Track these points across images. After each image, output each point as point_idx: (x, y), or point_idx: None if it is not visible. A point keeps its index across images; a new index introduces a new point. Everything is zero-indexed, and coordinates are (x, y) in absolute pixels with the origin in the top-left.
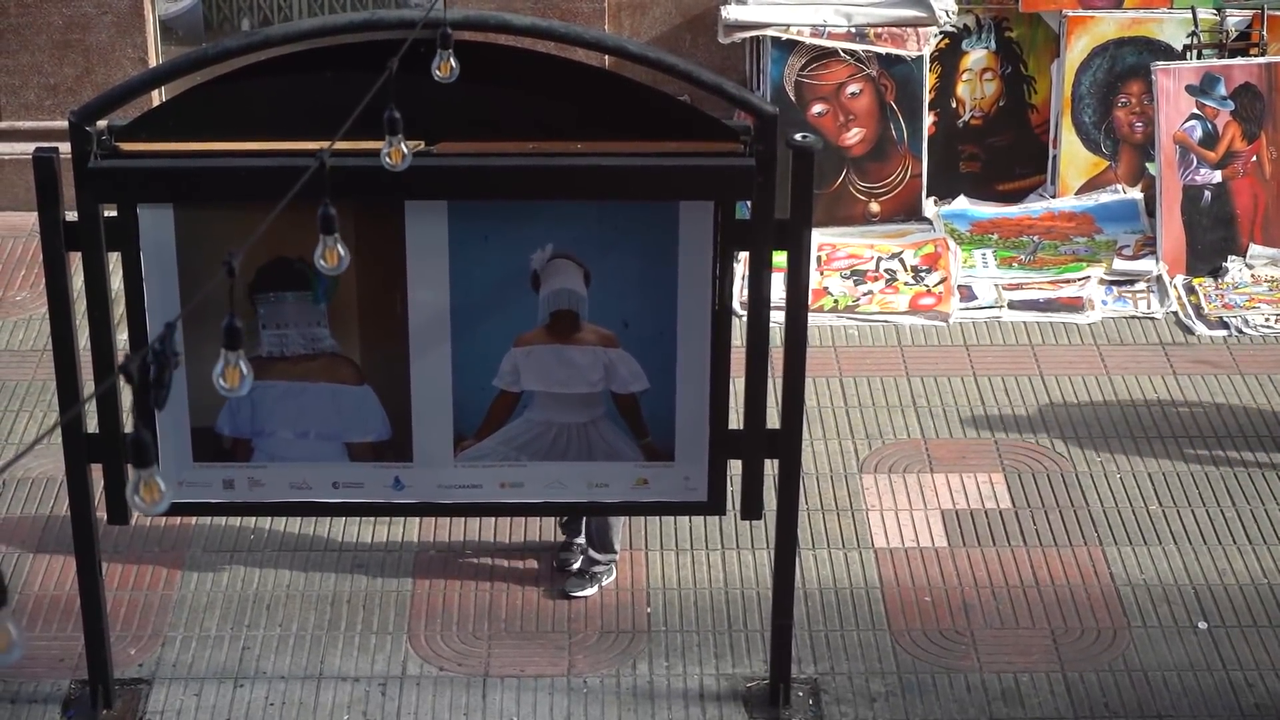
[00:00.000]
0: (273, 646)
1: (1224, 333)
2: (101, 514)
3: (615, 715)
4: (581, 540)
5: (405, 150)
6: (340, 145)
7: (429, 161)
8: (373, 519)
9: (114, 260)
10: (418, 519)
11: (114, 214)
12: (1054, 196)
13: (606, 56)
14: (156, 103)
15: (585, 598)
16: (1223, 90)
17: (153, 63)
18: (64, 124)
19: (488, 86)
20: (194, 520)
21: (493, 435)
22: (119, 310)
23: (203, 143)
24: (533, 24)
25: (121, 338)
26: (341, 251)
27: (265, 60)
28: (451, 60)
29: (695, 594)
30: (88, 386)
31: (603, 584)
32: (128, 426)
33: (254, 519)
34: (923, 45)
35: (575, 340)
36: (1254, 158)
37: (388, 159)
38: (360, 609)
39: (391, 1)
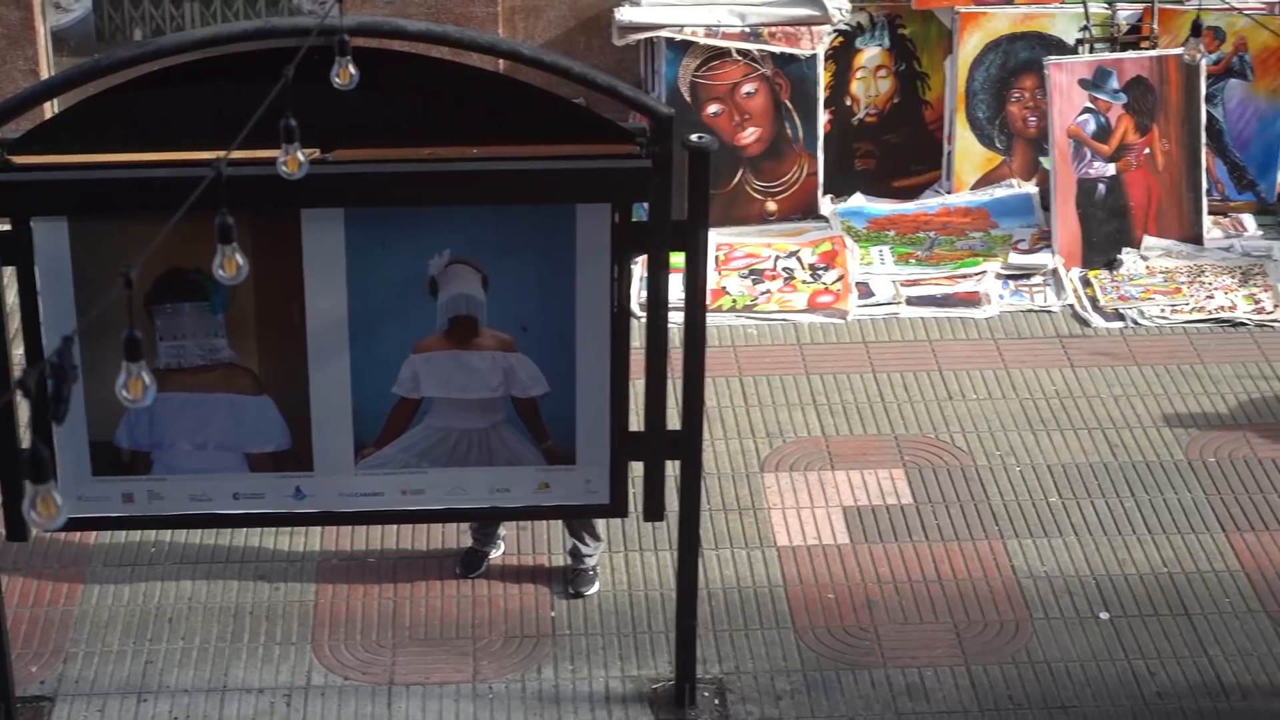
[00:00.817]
0: (176, 660)
1: (1120, 324)
2: None
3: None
4: (487, 549)
5: (301, 159)
6: (236, 154)
7: (324, 169)
8: (274, 529)
9: (9, 274)
10: (320, 528)
11: (7, 228)
12: (949, 192)
13: (501, 60)
14: (49, 115)
15: (594, 593)
16: (1115, 84)
17: (45, 74)
18: None
19: (383, 93)
20: (94, 535)
21: (393, 443)
22: (15, 325)
23: (97, 154)
24: (426, 29)
25: (17, 352)
26: (240, 261)
27: (159, 70)
28: (351, 67)
29: (599, 597)
30: None
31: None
32: (25, 442)
33: (155, 532)
34: (816, 44)
35: (474, 345)
36: (1147, 150)
37: (284, 167)
38: (264, 620)
39: (285, 9)
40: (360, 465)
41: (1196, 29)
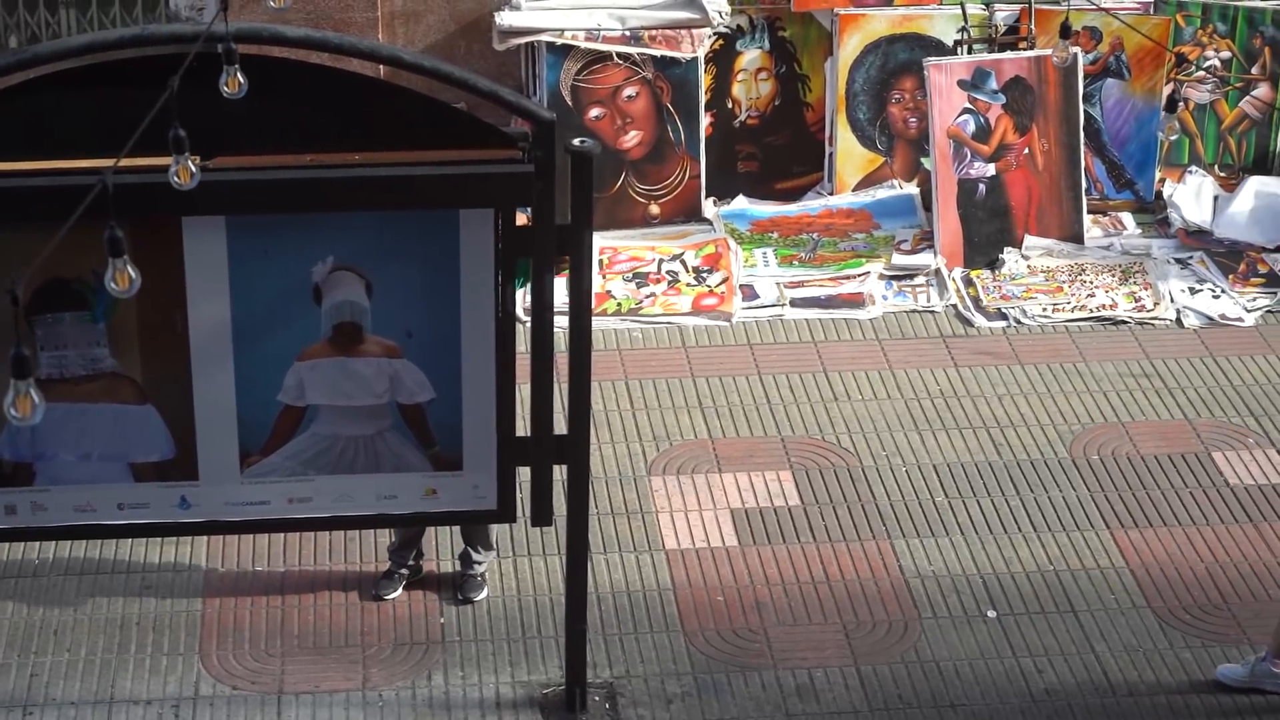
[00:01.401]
0: (61, 672)
1: (1003, 324)
2: None
3: None
4: (405, 571)
5: (193, 169)
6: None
7: (205, 176)
8: (160, 539)
9: None
10: (206, 538)
11: None
12: (832, 194)
13: (381, 66)
14: None
15: (483, 599)
16: (994, 84)
17: None
18: None
19: (263, 99)
20: None
21: (279, 450)
22: None
23: None
24: (306, 35)
25: None
26: (132, 273)
27: (36, 78)
28: (239, 75)
29: (488, 602)
30: None
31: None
32: None
33: (39, 543)
34: (697, 47)
35: (359, 352)
36: (1026, 150)
37: (175, 178)
38: (150, 630)
39: (162, 16)
40: (246, 474)
41: (1065, 30)
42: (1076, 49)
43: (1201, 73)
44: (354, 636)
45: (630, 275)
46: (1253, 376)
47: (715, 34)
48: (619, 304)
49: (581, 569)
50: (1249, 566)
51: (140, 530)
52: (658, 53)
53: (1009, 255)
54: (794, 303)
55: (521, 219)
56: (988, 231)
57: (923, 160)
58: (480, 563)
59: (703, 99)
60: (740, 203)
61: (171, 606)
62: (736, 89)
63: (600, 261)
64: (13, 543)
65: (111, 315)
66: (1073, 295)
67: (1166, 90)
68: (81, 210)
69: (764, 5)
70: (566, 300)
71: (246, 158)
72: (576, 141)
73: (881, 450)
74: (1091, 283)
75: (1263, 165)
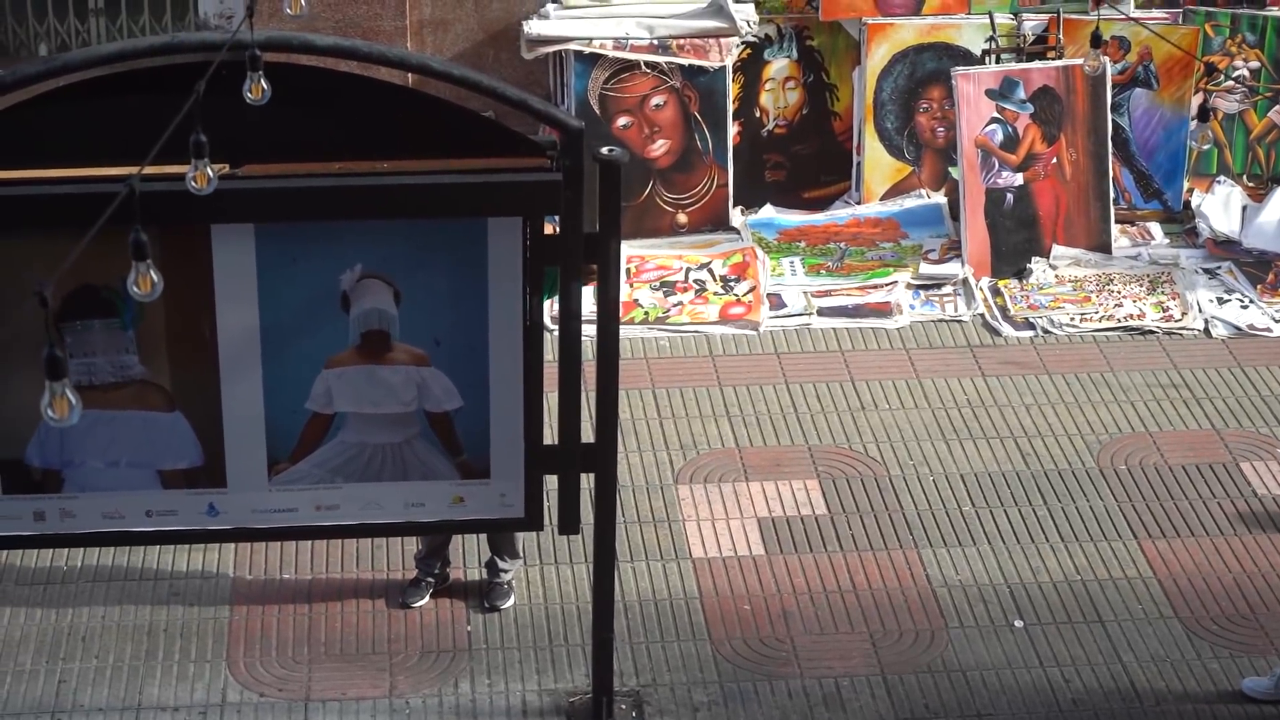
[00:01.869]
0: (90, 679)
1: (1030, 333)
2: None
3: None
4: (432, 579)
5: (211, 174)
6: (147, 170)
7: (234, 184)
8: (188, 546)
9: None
10: (234, 545)
11: None
12: (859, 203)
13: (410, 74)
14: None
15: (510, 607)
16: (1022, 94)
17: None
18: None
19: (292, 107)
20: (4, 554)
21: (307, 458)
22: None
23: (4, 171)
24: (335, 44)
25: None
26: (155, 278)
27: (66, 86)
28: (264, 82)
29: (515, 610)
30: None
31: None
32: None
33: (67, 550)
34: (725, 56)
35: (387, 360)
36: (1054, 160)
37: (193, 183)
38: (178, 637)
39: (191, 24)
40: (274, 481)
41: (1096, 40)
42: (1106, 58)
43: (1230, 82)
44: (381, 644)
45: (657, 284)
46: None
47: (743, 43)
48: (646, 313)
49: (608, 577)
50: (1277, 577)
51: (168, 537)
52: (686, 62)
53: (1036, 265)
54: (821, 312)
55: (549, 228)
56: (1015, 241)
57: (950, 169)
58: (507, 571)
59: (730, 108)
60: (768, 211)
61: (199, 613)
62: (764, 98)
63: (627, 270)
64: (41, 549)
65: (140, 322)
66: (1100, 305)
67: (1196, 99)
68: (108, 215)
69: (792, 14)
70: (594, 309)
71: (276, 165)
72: (604, 150)
73: (909, 459)
74: (1119, 292)
75: None
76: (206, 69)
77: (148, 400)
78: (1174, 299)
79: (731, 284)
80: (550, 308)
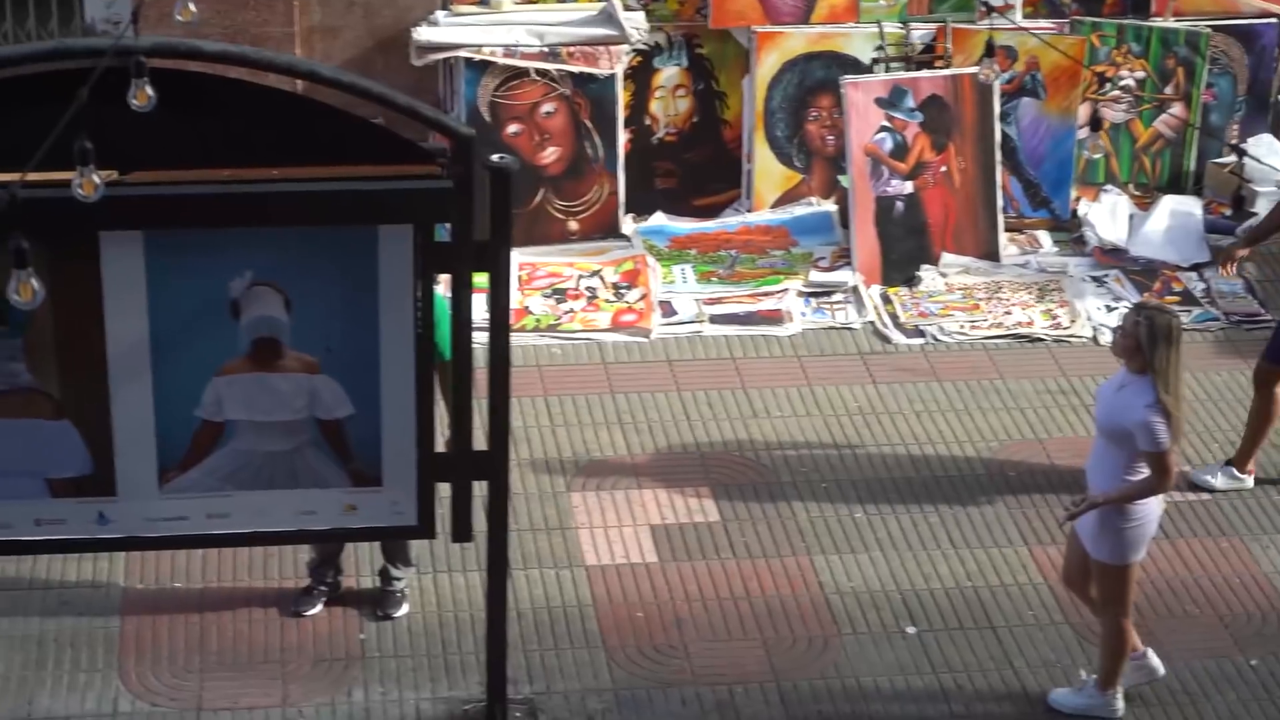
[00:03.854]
0: None
1: (920, 341)
2: None
3: None
4: (325, 587)
5: (97, 181)
6: (31, 177)
7: (122, 191)
8: (78, 555)
9: None
10: (124, 554)
11: None
12: (749, 210)
13: (300, 81)
14: None
15: (403, 615)
16: (911, 102)
17: None
18: None
19: (180, 114)
20: None
21: (198, 466)
22: None
23: None
24: (223, 50)
25: None
26: (36, 286)
27: None
28: (148, 88)
29: (409, 618)
30: None
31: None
32: None
33: None
34: (615, 63)
35: (277, 367)
36: (943, 168)
37: (79, 190)
38: (68, 647)
39: (78, 30)
40: (164, 489)
41: (990, 49)
42: (998, 67)
43: (1117, 92)
44: (273, 653)
45: (549, 291)
46: None
47: (633, 51)
48: (538, 320)
49: (502, 585)
50: (1165, 582)
51: (57, 546)
52: (576, 69)
53: (926, 272)
54: (713, 319)
55: None
56: (905, 249)
57: (840, 178)
58: (400, 579)
59: (621, 116)
60: (659, 219)
61: (90, 623)
62: (654, 106)
63: (519, 278)
64: None
65: (27, 330)
66: (990, 312)
67: (1083, 109)
68: None
69: (681, 23)
70: (485, 316)
71: (164, 172)
72: (495, 157)
73: (801, 466)
74: (1008, 300)
75: (1177, 184)
76: (89, 75)
77: (35, 408)
78: (1062, 306)
79: (623, 291)
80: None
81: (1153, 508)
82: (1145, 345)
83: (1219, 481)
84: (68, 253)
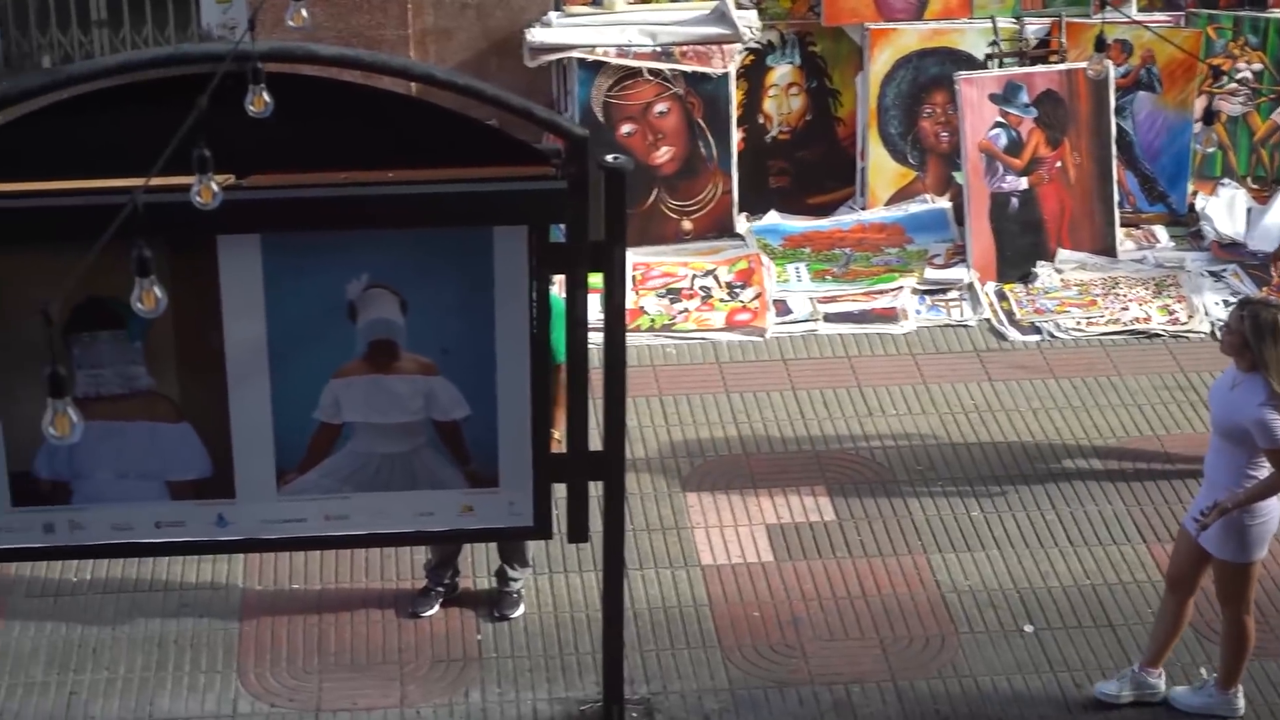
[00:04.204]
0: (100, 690)
1: (1036, 337)
2: None
3: None
4: (442, 588)
5: (215, 188)
6: (152, 182)
7: (240, 195)
8: (197, 557)
9: None
10: (243, 555)
11: None
12: (864, 208)
13: (414, 84)
14: None
15: (520, 616)
16: (1025, 98)
17: None
18: None
19: (297, 118)
20: (14, 566)
21: (316, 468)
22: None
23: (8, 183)
24: (339, 54)
25: None
26: (158, 294)
27: (70, 98)
28: (265, 94)
29: (525, 619)
30: None
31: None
32: None
33: (76, 562)
34: (728, 62)
35: (394, 370)
36: (1058, 163)
37: (198, 198)
38: (188, 649)
39: (195, 35)
40: (283, 491)
41: (1100, 44)
42: (1109, 61)
43: (1234, 84)
44: (391, 654)
45: (664, 291)
46: None
47: (746, 49)
48: (652, 320)
49: (618, 585)
50: None
51: (177, 548)
52: (689, 68)
53: (1042, 269)
54: (827, 318)
55: None
56: (1020, 245)
57: (954, 174)
58: (517, 579)
59: (734, 114)
60: (772, 218)
61: (209, 624)
62: (768, 104)
63: (633, 278)
64: (51, 561)
65: (148, 334)
66: (1106, 308)
67: (1199, 103)
68: (113, 230)
69: (794, 20)
70: (600, 316)
71: (281, 176)
72: (609, 158)
73: (916, 465)
74: (1125, 296)
75: None
76: (210, 81)
77: (156, 411)
78: (1180, 302)
79: (737, 290)
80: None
81: (1275, 505)
82: (1252, 341)
83: None
84: (186, 256)
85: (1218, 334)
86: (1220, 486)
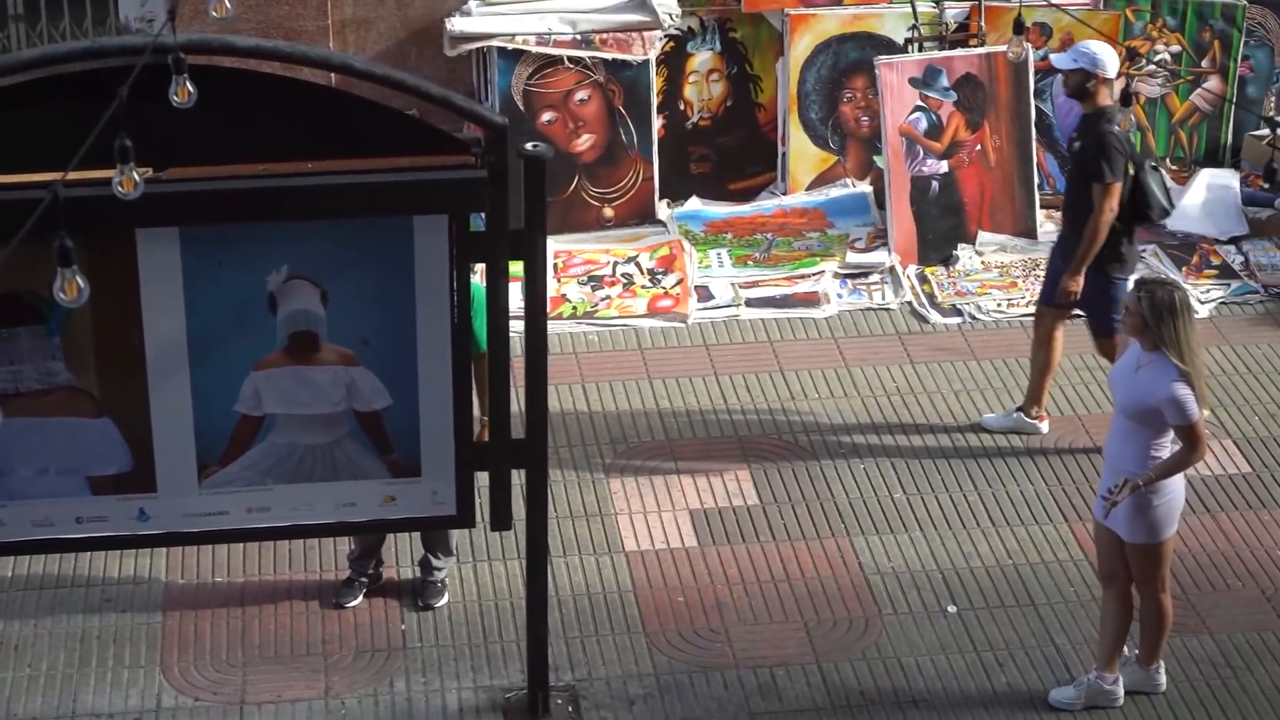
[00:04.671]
0: (23, 688)
1: (958, 320)
2: None
3: None
4: (365, 579)
5: (137, 178)
6: (71, 176)
7: (158, 188)
8: (119, 552)
9: None
10: (165, 549)
11: None
12: (785, 193)
13: (333, 74)
14: None
15: (444, 605)
16: (945, 81)
17: None
18: None
19: (215, 110)
20: None
21: (237, 461)
22: None
23: None
24: (257, 45)
25: None
26: (81, 283)
27: None
28: (189, 85)
29: (449, 608)
30: None
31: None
32: None
33: None
34: (648, 49)
35: (315, 361)
36: (978, 146)
37: (119, 188)
38: (111, 644)
39: (113, 29)
40: (204, 485)
41: (1019, 27)
42: (1028, 45)
43: (1152, 67)
44: (315, 645)
45: (585, 278)
46: (1207, 368)
47: (666, 36)
48: (574, 307)
49: (541, 573)
50: (1207, 557)
51: (99, 543)
52: (609, 56)
53: (963, 251)
54: (749, 303)
55: None
56: (941, 228)
57: (875, 158)
58: (440, 569)
59: (655, 101)
60: (694, 204)
61: (132, 619)
62: (688, 91)
63: (555, 265)
64: None
65: (67, 329)
66: (1027, 290)
67: (1118, 85)
68: (31, 222)
69: (714, 7)
70: (521, 304)
71: (199, 168)
72: (529, 146)
73: (839, 448)
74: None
75: (1214, 158)
76: (129, 73)
77: (75, 407)
78: None
79: (659, 277)
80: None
81: (1180, 482)
82: (1151, 321)
83: (999, 423)
84: (105, 250)
85: None
86: (1124, 471)
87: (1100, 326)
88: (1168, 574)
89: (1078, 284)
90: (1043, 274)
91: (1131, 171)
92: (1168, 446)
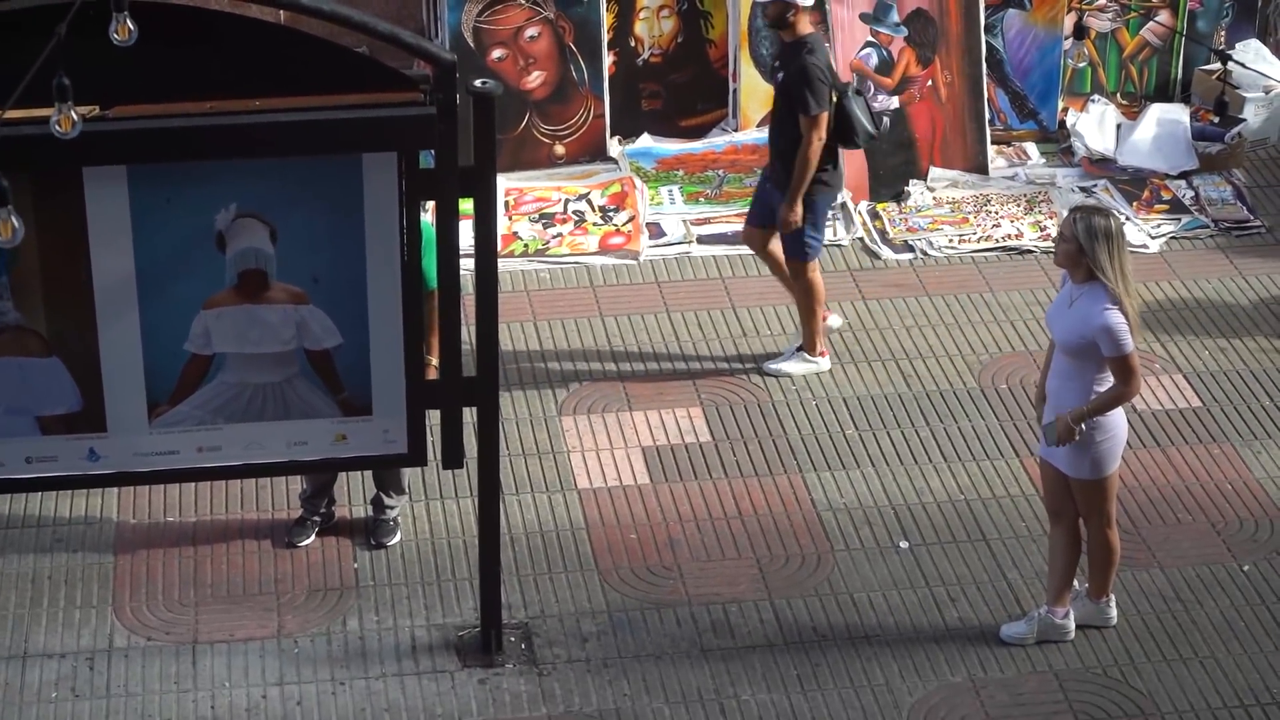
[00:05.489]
0: None
1: (909, 256)
2: None
3: (328, 673)
4: (318, 518)
5: (75, 117)
6: (11, 114)
7: (104, 126)
8: (70, 492)
9: None
10: (116, 489)
11: None
12: (736, 130)
13: (281, 12)
14: None
15: (396, 543)
16: (895, 17)
17: None
18: None
19: (162, 47)
20: None
21: (187, 400)
22: None
23: None
24: None
25: None
26: (16, 224)
27: None
28: (129, 23)
29: (401, 546)
30: None
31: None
32: None
33: None
34: None
35: (265, 299)
36: (929, 82)
37: (57, 126)
38: (62, 584)
39: None
40: (154, 424)
41: None
42: None
43: (1102, 1)
44: (268, 584)
45: (536, 216)
46: (1158, 303)
47: None
48: (525, 245)
49: (494, 510)
50: (1158, 491)
51: (49, 483)
52: None
53: (914, 187)
54: (701, 240)
55: None
56: (892, 164)
57: None
58: (392, 507)
59: (605, 38)
60: (645, 141)
61: (83, 559)
62: (639, 27)
63: (506, 203)
64: None
65: (13, 268)
66: (978, 226)
67: (1069, 19)
68: None
69: None
70: (472, 242)
71: (146, 106)
72: (479, 83)
73: (791, 385)
74: (997, 213)
75: (1164, 93)
76: (68, 10)
77: (24, 346)
78: (1051, 218)
79: (610, 214)
80: None
81: (1120, 418)
82: (1086, 247)
83: (794, 368)
84: (51, 189)
85: None
86: (1068, 407)
87: (793, 246)
88: (1114, 508)
89: (797, 214)
90: (993, 209)
91: (834, 99)
92: (1108, 382)
